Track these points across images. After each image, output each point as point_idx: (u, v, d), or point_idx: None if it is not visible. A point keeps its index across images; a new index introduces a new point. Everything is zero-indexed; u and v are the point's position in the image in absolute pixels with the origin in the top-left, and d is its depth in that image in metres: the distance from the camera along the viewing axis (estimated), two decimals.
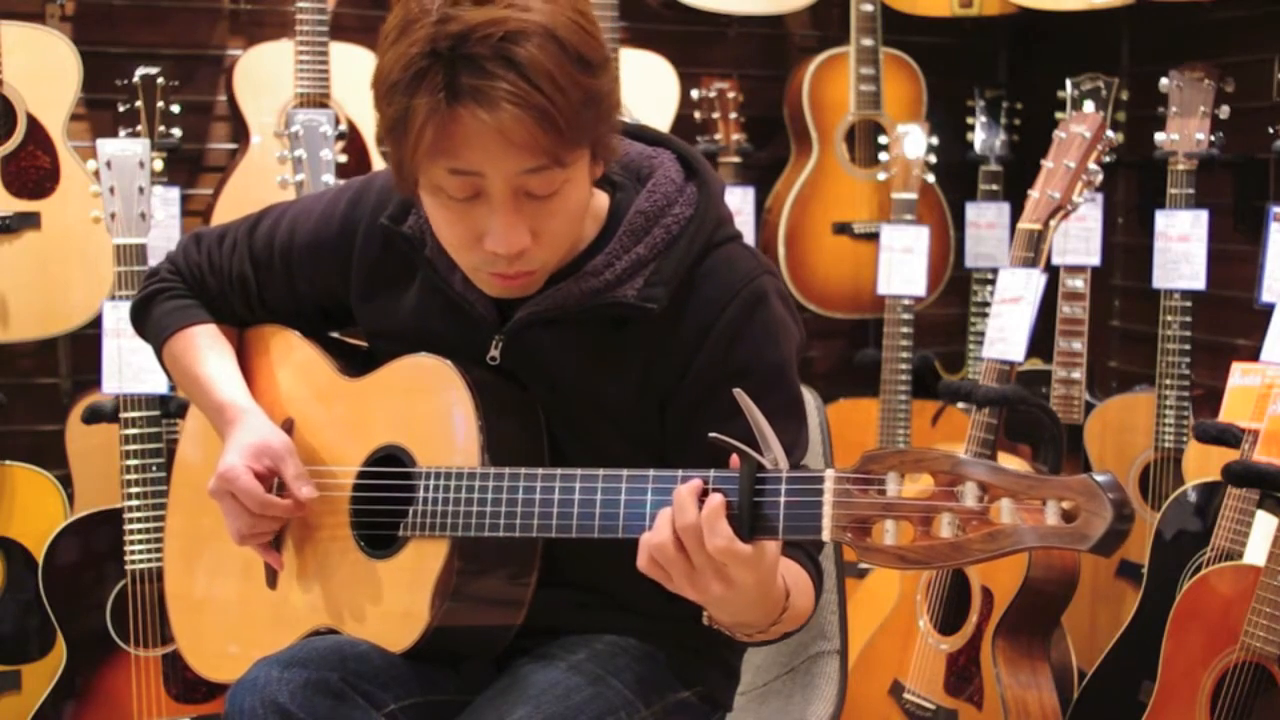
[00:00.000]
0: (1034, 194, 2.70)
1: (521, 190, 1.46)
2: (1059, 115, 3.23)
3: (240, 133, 3.27)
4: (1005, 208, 3.66)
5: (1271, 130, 2.96)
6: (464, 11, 1.39)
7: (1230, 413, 2.42)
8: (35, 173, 2.95)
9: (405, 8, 1.44)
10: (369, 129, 3.22)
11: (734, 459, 1.37)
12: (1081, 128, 2.68)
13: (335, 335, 1.86)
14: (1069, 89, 3.26)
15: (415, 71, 1.40)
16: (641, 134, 1.70)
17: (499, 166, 1.43)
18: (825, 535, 1.30)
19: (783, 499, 1.33)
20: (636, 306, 1.56)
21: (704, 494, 1.38)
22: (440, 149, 1.42)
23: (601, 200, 1.63)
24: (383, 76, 1.45)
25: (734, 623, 1.46)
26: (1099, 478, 1.18)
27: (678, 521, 1.36)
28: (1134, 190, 3.67)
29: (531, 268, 1.52)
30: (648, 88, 3.45)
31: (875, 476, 1.27)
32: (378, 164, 3.19)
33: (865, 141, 3.61)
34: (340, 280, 1.73)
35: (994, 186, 3.69)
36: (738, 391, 1.36)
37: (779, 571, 1.42)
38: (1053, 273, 2.96)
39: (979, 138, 3.71)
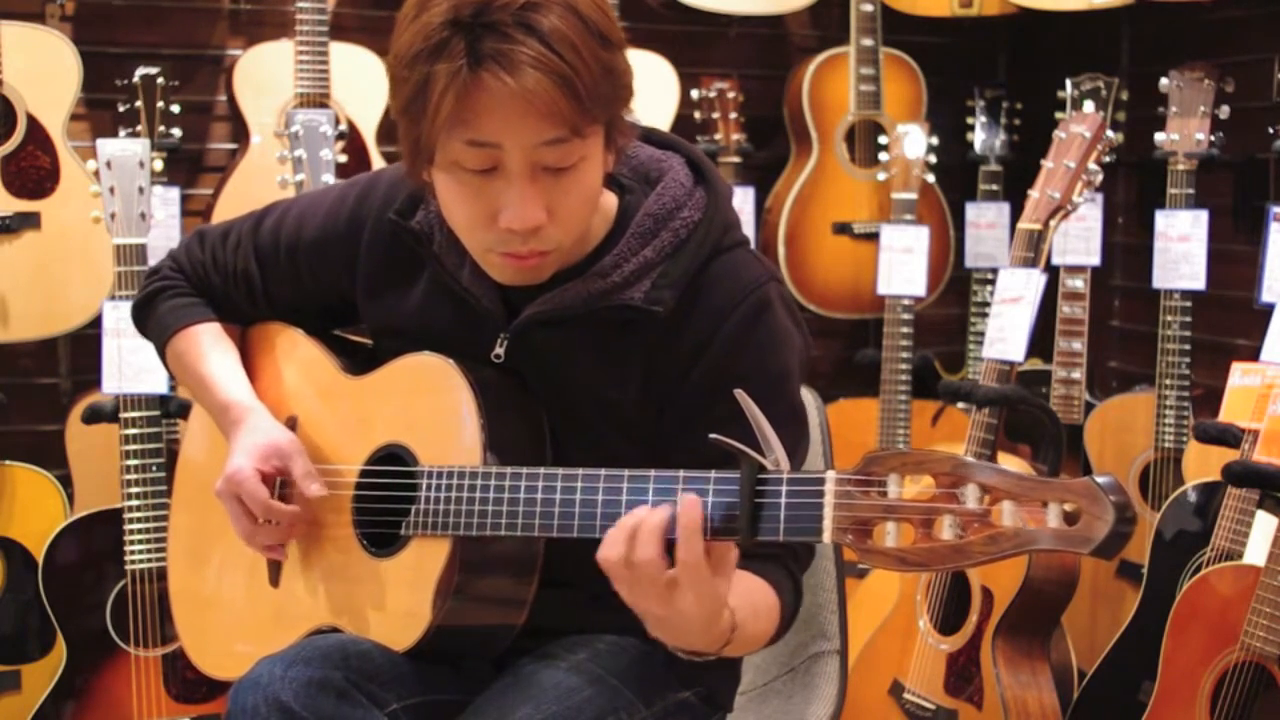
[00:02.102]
0: (1034, 194, 2.70)
1: (539, 164, 1.46)
2: (1059, 115, 3.23)
3: (240, 133, 3.27)
4: (1005, 208, 3.66)
5: (1271, 130, 2.97)
6: None
7: (1230, 413, 2.42)
8: (35, 173, 2.95)
9: None
10: (369, 129, 3.22)
11: None
12: (1081, 128, 2.68)
13: (339, 333, 1.86)
14: (1069, 89, 3.26)
15: (437, 41, 1.41)
16: (651, 137, 1.70)
17: (518, 136, 1.43)
18: (826, 537, 1.29)
19: (783, 500, 1.32)
20: (643, 309, 1.56)
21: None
22: (460, 118, 1.42)
23: (610, 201, 1.63)
24: (402, 50, 1.45)
25: (669, 640, 1.44)
26: (1101, 480, 1.18)
27: (613, 552, 1.36)
28: (1134, 190, 3.67)
29: (545, 248, 1.52)
30: (648, 88, 3.45)
31: (876, 478, 1.27)
32: (378, 164, 3.19)
33: (865, 141, 3.61)
34: (346, 276, 1.73)
35: (994, 186, 3.69)
36: (739, 392, 1.35)
37: (729, 605, 1.41)
38: (1053, 273, 2.96)
39: (979, 138, 3.71)
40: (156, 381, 2.72)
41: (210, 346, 1.80)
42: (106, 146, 2.74)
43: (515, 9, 1.39)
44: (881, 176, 3.51)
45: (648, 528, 1.36)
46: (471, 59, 1.40)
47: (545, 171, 1.47)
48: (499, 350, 1.63)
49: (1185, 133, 2.98)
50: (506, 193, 1.47)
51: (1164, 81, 3.02)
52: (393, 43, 1.48)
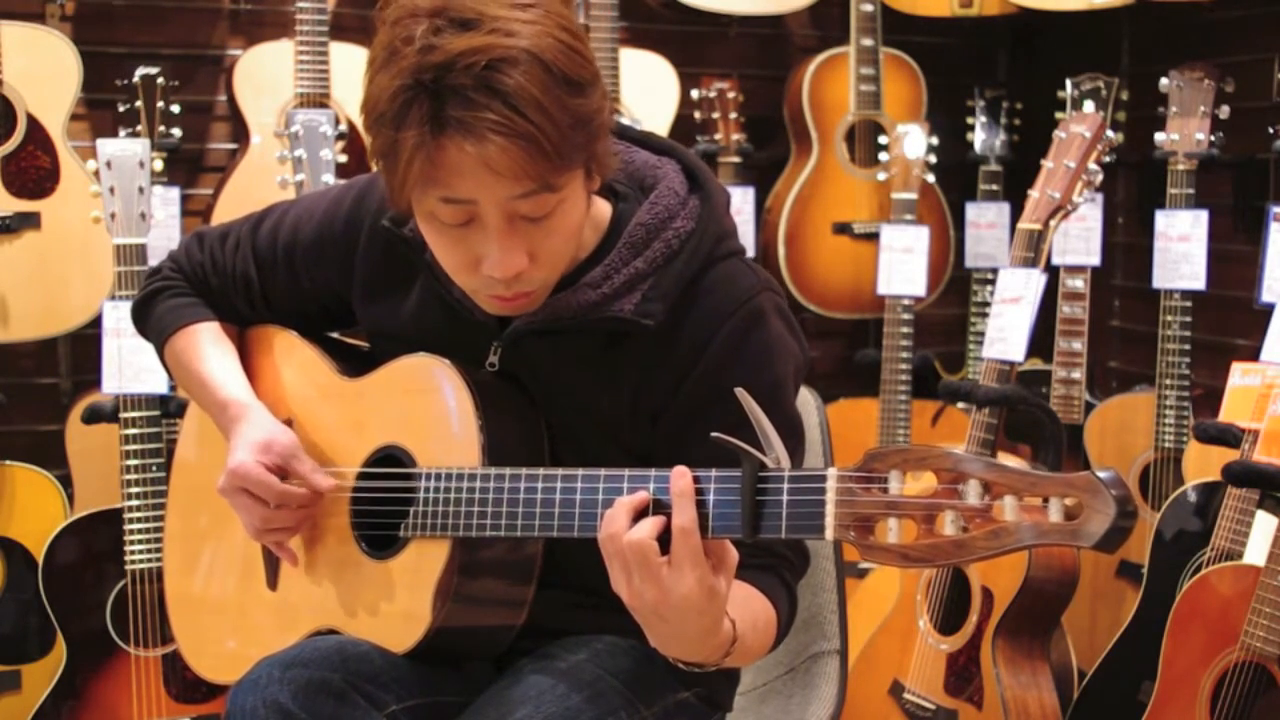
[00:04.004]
0: (1034, 194, 2.69)
1: (515, 214, 1.45)
2: (1059, 115, 3.23)
3: (240, 133, 3.27)
4: (1005, 208, 3.66)
5: (1271, 130, 2.96)
6: (446, 40, 1.37)
7: (1230, 413, 2.42)
8: (35, 173, 2.95)
9: (390, 34, 1.41)
10: None
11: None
12: (1081, 128, 2.68)
13: (335, 335, 1.86)
14: (1069, 89, 3.26)
15: (401, 103, 1.38)
16: (647, 142, 1.68)
17: (490, 194, 1.42)
18: (828, 534, 1.29)
19: (785, 498, 1.32)
20: (632, 322, 1.55)
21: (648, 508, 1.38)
22: (430, 179, 1.41)
23: (603, 209, 1.62)
24: (370, 106, 1.43)
25: (672, 649, 1.42)
26: (1102, 474, 1.18)
27: (628, 535, 1.35)
28: (1134, 190, 3.67)
29: (530, 288, 1.52)
30: (648, 88, 3.45)
31: (878, 475, 1.27)
32: None
33: (865, 141, 3.61)
34: (343, 279, 1.73)
35: (994, 186, 3.69)
36: (740, 391, 1.35)
37: (728, 616, 1.40)
38: (1053, 273, 2.95)
39: (979, 138, 3.71)
40: (156, 381, 2.72)
41: (209, 346, 1.79)
42: (106, 146, 2.74)
43: (478, 70, 1.36)
44: (881, 176, 3.51)
45: (644, 500, 1.37)
46: (434, 126, 1.37)
47: (523, 219, 1.45)
48: (493, 359, 1.63)
49: (1185, 133, 2.98)
50: (485, 243, 1.46)
51: (1164, 81, 3.01)
52: (364, 86, 1.45)
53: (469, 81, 1.36)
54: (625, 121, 1.95)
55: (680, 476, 1.35)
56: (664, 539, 1.35)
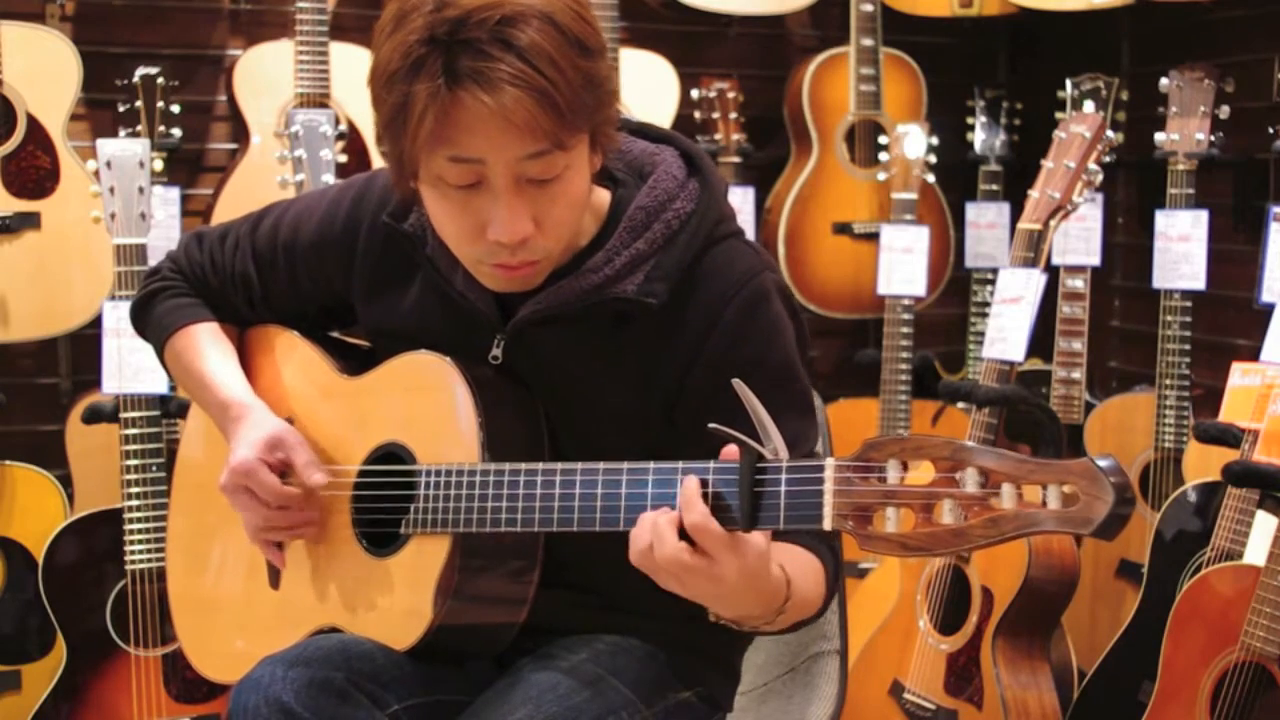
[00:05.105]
0: (1034, 194, 2.70)
1: (523, 176, 1.45)
2: (1059, 115, 3.23)
3: (240, 133, 3.27)
4: (1005, 208, 3.66)
5: (1271, 130, 2.96)
6: None
7: (1230, 413, 2.42)
8: (35, 173, 2.95)
9: (399, 4, 1.44)
10: (369, 129, 3.19)
11: (727, 450, 1.37)
12: (1081, 128, 2.68)
13: (336, 335, 1.86)
14: (1069, 89, 3.26)
15: (414, 59, 1.40)
16: (645, 132, 1.69)
17: (500, 152, 1.43)
18: (826, 524, 1.30)
19: (783, 488, 1.33)
20: (636, 302, 1.55)
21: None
22: (441, 136, 1.42)
23: (603, 197, 1.62)
24: (380, 68, 1.44)
25: (735, 616, 1.45)
26: (1101, 462, 1.18)
27: (657, 551, 1.36)
28: (1134, 190, 3.67)
29: (535, 258, 1.52)
30: (648, 88, 3.45)
31: (876, 464, 1.28)
32: (377, 164, 3.18)
33: (865, 141, 3.61)
34: (343, 278, 1.73)
35: (994, 186, 3.69)
36: (736, 382, 1.36)
37: (775, 562, 1.42)
38: (1053, 273, 2.96)
39: (979, 138, 3.71)
40: (156, 381, 2.72)
41: (208, 346, 1.80)
42: (106, 146, 2.74)
43: (492, 25, 1.38)
44: (881, 176, 3.51)
45: (661, 524, 1.37)
46: (449, 78, 1.39)
47: (530, 183, 1.46)
48: (496, 351, 1.63)
49: (1185, 133, 2.98)
50: (493, 207, 1.46)
51: (1164, 81, 3.02)
52: (371, 56, 1.47)
53: (483, 35, 1.38)
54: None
55: (688, 483, 1.37)
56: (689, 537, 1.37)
